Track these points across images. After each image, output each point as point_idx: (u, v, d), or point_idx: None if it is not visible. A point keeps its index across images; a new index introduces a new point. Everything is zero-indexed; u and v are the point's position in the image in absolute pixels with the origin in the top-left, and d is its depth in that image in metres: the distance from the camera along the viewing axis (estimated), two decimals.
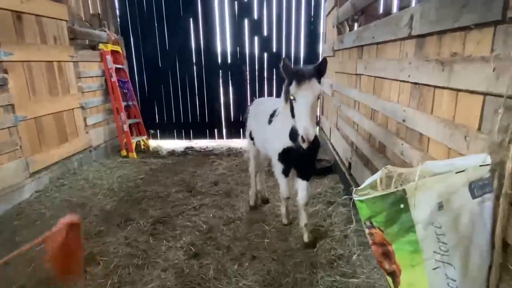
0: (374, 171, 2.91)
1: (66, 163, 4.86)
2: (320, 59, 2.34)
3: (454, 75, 1.59)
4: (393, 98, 2.48)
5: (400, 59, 2.34)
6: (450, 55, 1.68)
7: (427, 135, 1.91)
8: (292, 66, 2.42)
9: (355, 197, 1.29)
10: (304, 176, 2.91)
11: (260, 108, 3.40)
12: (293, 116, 2.42)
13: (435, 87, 1.84)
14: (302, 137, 2.23)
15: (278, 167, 2.93)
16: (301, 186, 2.92)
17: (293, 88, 2.29)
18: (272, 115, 3.01)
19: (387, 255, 1.31)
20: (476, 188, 1.26)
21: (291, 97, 2.34)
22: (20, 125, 4.01)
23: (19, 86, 4.05)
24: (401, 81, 2.31)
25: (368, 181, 1.34)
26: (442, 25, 1.72)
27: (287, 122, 2.62)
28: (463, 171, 1.25)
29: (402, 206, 1.22)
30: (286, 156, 2.79)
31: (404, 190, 1.20)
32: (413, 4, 4.03)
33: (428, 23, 1.87)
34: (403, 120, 2.21)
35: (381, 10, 4.00)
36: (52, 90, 4.64)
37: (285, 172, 2.92)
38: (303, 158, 2.74)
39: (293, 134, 2.59)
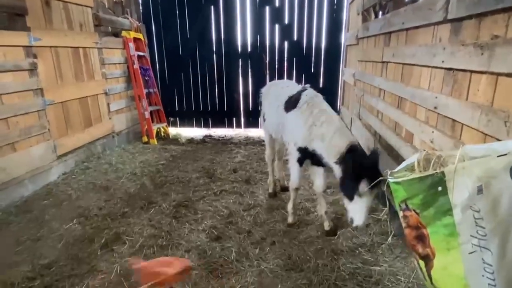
0: (399, 160, 2.87)
1: (90, 147, 5.01)
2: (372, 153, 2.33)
3: (495, 59, 1.53)
4: (424, 85, 2.42)
5: (433, 44, 2.27)
6: (490, 38, 1.62)
7: (461, 121, 1.86)
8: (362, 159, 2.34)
9: (391, 179, 1.28)
10: (320, 163, 2.88)
11: (273, 91, 3.38)
12: (350, 198, 2.38)
13: (472, 72, 1.78)
14: (355, 225, 2.36)
15: (294, 155, 2.93)
16: (318, 173, 2.91)
17: (363, 188, 2.25)
18: (288, 102, 2.96)
19: (421, 238, 1.29)
20: None
21: (358, 195, 2.30)
22: (48, 108, 4.14)
23: (47, 71, 4.17)
24: (433, 67, 2.25)
25: (404, 163, 1.32)
26: (482, 7, 1.66)
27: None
28: (505, 155, 1.22)
29: (440, 188, 1.20)
30: (304, 150, 2.82)
31: (443, 172, 1.18)
32: None
33: (466, 6, 1.80)
34: (435, 107, 2.16)
35: None
36: (78, 75, 4.75)
37: (300, 161, 2.92)
38: None
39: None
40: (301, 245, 2.81)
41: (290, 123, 2.91)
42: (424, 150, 1.25)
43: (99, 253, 2.73)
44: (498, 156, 1.21)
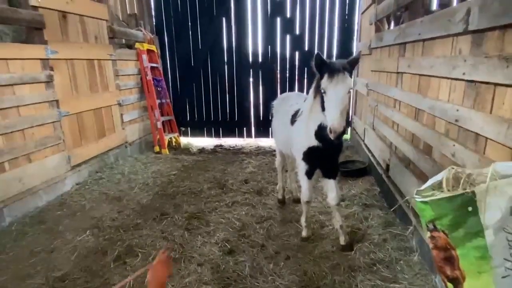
0: (417, 173, 2.80)
1: (103, 157, 5.05)
2: (354, 54, 2.35)
3: None
4: (443, 97, 2.37)
5: (452, 56, 2.22)
6: None
7: (485, 135, 1.80)
8: (327, 60, 2.40)
9: (418, 198, 1.23)
10: (330, 174, 2.84)
11: (283, 106, 3.37)
12: (323, 109, 2.41)
13: (496, 84, 1.72)
14: (330, 128, 2.25)
15: (301, 168, 2.87)
16: (330, 186, 2.85)
17: (324, 81, 2.30)
18: (294, 116, 2.95)
19: (450, 260, 1.23)
20: None
21: (322, 90, 2.34)
22: (63, 120, 4.20)
23: (63, 82, 4.25)
24: (453, 79, 2.19)
25: (430, 181, 1.27)
26: (506, 18, 1.61)
27: (313, 120, 2.61)
28: None
29: (470, 209, 1.14)
30: (310, 155, 2.75)
31: (473, 192, 1.13)
32: (454, 2, 3.85)
33: (489, 17, 1.76)
34: (456, 120, 2.09)
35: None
36: (93, 87, 4.83)
37: (308, 174, 2.85)
38: (327, 157, 2.72)
39: (320, 132, 2.58)
40: (316, 260, 2.73)
41: (295, 134, 2.89)
42: (453, 168, 1.20)
43: (112, 266, 2.71)
44: None
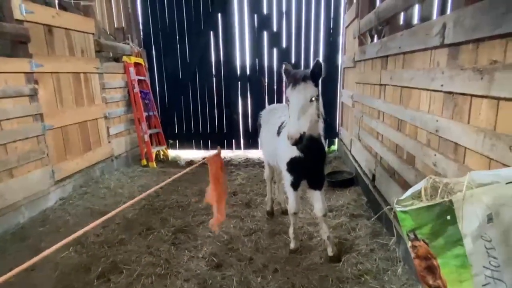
0: (401, 182, 2.84)
1: (89, 171, 4.96)
2: (315, 62, 2.35)
3: (495, 84, 1.54)
4: (423, 108, 2.43)
5: (430, 68, 2.30)
6: (489, 63, 1.64)
7: (463, 145, 1.85)
8: (292, 70, 2.48)
9: (397, 208, 1.25)
10: (316, 185, 2.85)
11: (271, 117, 3.40)
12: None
13: (472, 96, 1.78)
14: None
15: (287, 179, 2.87)
16: (316, 197, 2.86)
17: (288, 90, 2.39)
18: (281, 127, 3.00)
19: (432, 269, 1.24)
20: None
21: (287, 99, 2.41)
22: (47, 134, 4.12)
23: (48, 96, 4.20)
24: (432, 90, 2.26)
25: (410, 191, 1.29)
26: (479, 32, 1.68)
27: None
28: None
29: (448, 217, 1.16)
30: (293, 166, 2.76)
31: (451, 201, 1.15)
32: (434, 16, 4.00)
33: (463, 31, 1.83)
34: (436, 131, 2.15)
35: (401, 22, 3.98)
36: (78, 100, 4.78)
37: (294, 185, 2.85)
38: (310, 168, 2.74)
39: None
40: (304, 272, 2.71)
41: (280, 145, 2.91)
42: (431, 177, 1.23)
43: (95, 283, 2.64)
44: (507, 183, 1.19)
